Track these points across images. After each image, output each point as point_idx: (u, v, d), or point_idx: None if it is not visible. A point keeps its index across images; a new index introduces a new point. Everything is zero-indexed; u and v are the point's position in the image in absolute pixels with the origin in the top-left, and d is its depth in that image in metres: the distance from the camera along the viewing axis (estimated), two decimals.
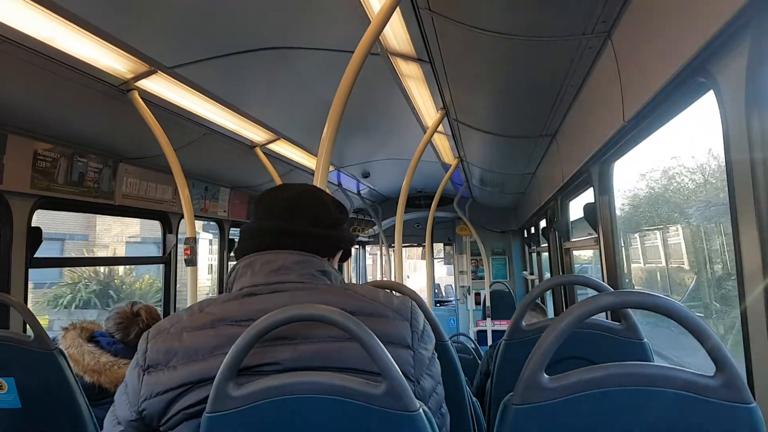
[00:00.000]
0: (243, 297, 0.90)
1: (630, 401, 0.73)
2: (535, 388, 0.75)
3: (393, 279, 5.23)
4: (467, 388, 1.46)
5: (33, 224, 2.50)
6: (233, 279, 0.96)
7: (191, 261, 2.98)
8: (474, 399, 1.57)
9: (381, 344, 0.77)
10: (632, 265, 4.72)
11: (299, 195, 1.02)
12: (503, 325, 5.71)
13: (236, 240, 1.02)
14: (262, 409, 0.77)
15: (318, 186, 1.66)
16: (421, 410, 0.76)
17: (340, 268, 7.77)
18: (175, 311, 2.75)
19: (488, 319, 5.87)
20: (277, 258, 0.93)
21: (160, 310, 2.48)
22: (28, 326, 1.67)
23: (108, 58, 2.05)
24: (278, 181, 3.82)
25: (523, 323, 1.47)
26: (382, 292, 0.95)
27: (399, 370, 0.76)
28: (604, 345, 1.33)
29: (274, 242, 0.96)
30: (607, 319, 1.98)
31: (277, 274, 0.92)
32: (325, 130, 1.65)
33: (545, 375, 0.76)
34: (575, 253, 3.44)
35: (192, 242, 3.02)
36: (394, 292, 1.14)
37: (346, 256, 1.08)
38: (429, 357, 0.92)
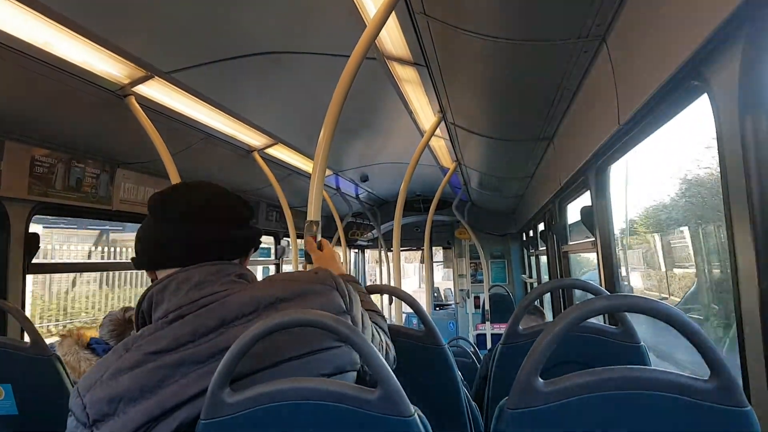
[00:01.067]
0: (171, 322, 0.84)
1: (625, 405, 0.73)
2: (530, 393, 0.75)
3: (391, 283, 5.22)
4: (466, 392, 1.46)
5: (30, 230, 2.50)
6: (148, 308, 0.89)
7: None
8: (473, 403, 1.56)
9: (375, 348, 0.78)
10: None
11: (208, 198, 0.97)
12: (502, 329, 5.70)
13: None
14: (258, 415, 0.77)
15: (315, 190, 1.66)
16: (416, 415, 0.76)
17: None
18: None
19: (487, 323, 5.86)
20: (192, 275, 0.89)
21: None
22: (25, 333, 1.67)
23: (104, 64, 2.05)
24: (276, 186, 3.82)
25: (520, 327, 1.47)
26: (300, 272, 0.96)
27: (394, 376, 0.76)
28: (600, 349, 1.33)
29: (187, 253, 0.92)
30: (604, 322, 1.98)
31: (198, 290, 0.88)
32: (321, 134, 1.65)
33: (540, 379, 0.75)
34: (583, 257, 3.43)
35: None
36: (392, 297, 1.15)
37: (256, 249, 1.05)
38: (361, 313, 0.97)
